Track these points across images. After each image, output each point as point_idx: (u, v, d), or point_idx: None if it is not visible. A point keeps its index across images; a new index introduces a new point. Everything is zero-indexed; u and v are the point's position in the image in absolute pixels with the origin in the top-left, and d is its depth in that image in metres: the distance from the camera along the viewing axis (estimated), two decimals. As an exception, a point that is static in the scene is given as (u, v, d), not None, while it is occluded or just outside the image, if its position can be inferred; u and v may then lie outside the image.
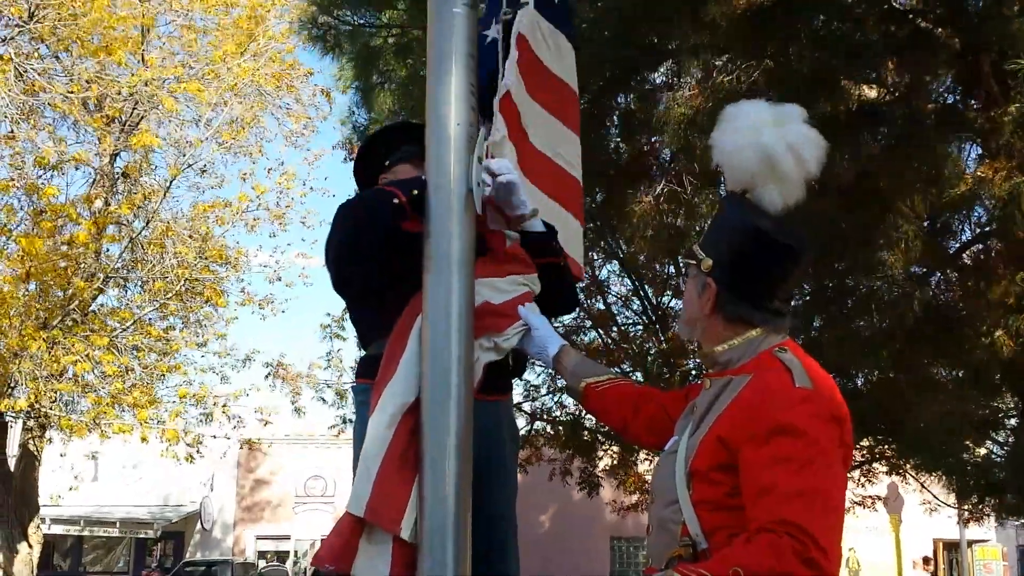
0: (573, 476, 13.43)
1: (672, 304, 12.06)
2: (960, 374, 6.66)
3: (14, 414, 11.04)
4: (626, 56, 5.15)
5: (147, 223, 11.16)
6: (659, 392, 2.52)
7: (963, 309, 6.15)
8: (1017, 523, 15.14)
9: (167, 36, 11.70)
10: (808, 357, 2.02)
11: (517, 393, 11.66)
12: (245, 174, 12.19)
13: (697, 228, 7.20)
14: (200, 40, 11.54)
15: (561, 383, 12.50)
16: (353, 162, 3.13)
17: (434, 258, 2.41)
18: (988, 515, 11.98)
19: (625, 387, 2.54)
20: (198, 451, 11.77)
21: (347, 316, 14.22)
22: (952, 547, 26.00)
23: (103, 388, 10.40)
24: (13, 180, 10.20)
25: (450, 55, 2.50)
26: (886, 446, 10.24)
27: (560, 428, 12.72)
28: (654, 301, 12.39)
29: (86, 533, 21.85)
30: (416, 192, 2.48)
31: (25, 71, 9.62)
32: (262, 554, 23.27)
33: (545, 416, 12.97)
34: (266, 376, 14.75)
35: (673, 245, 7.74)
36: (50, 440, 11.92)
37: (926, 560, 23.17)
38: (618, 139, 6.53)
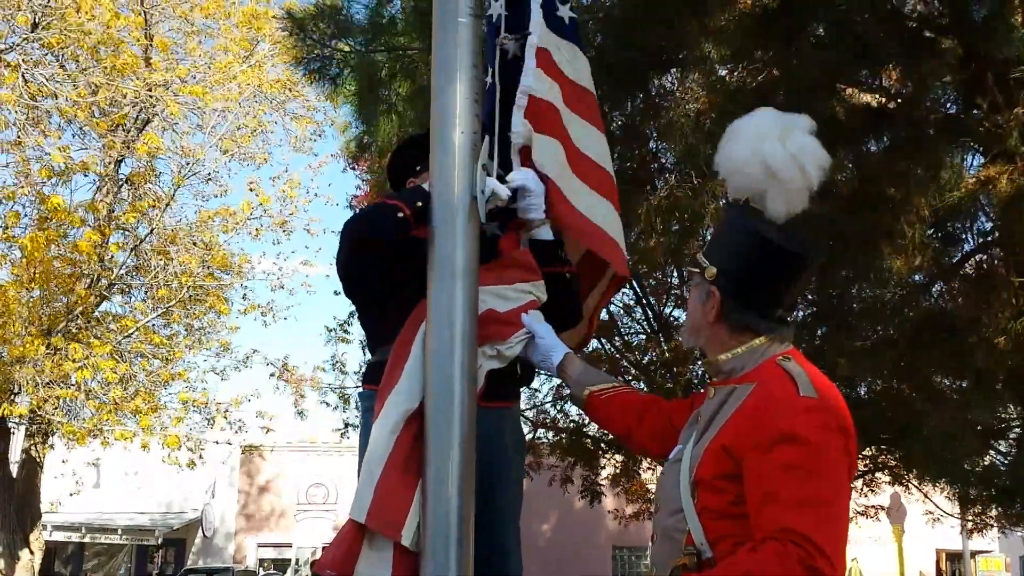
0: (575, 484, 13.40)
1: (675, 313, 12.07)
2: (964, 383, 6.64)
3: (16, 420, 11.05)
4: (629, 61, 5.15)
5: (151, 230, 11.18)
6: (663, 401, 2.52)
7: (966, 317, 6.14)
8: (1021, 533, 15.08)
9: (171, 40, 11.73)
10: (812, 366, 2.02)
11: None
12: (252, 183, 12.23)
13: (700, 236, 7.20)
14: (203, 46, 11.59)
15: (565, 391, 12.50)
16: (388, 161, 3.15)
17: (437, 266, 2.42)
18: (991, 525, 11.95)
19: (629, 395, 2.55)
20: (200, 457, 11.77)
21: (354, 320, 14.31)
22: (955, 557, 25.90)
23: (105, 395, 10.41)
24: (19, 185, 10.23)
25: (455, 64, 2.51)
26: (889, 456, 10.21)
27: (562, 436, 12.71)
28: (657, 310, 12.38)
29: (87, 540, 21.82)
30: (420, 204, 2.50)
31: (32, 77, 9.66)
32: (262, 562, 23.24)
33: (548, 423, 12.95)
34: (271, 375, 14.75)
35: (676, 253, 7.74)
36: (52, 447, 11.92)
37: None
38: (620, 146, 6.54)
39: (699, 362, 10.21)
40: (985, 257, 6.58)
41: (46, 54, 10.35)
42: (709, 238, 2.28)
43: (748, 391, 1.99)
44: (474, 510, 2.32)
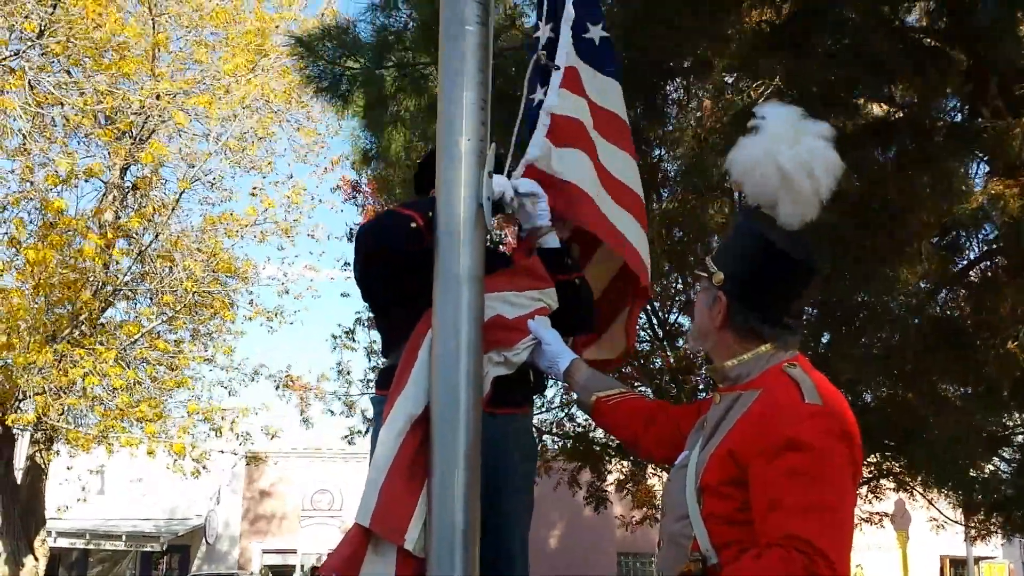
0: (581, 489, 13.37)
1: (679, 320, 12.04)
2: (969, 390, 6.63)
3: (21, 427, 11.06)
4: (636, 71, 5.16)
5: (156, 236, 11.20)
6: (670, 406, 2.52)
7: (972, 325, 6.14)
8: (1025, 540, 15.02)
9: (177, 51, 11.79)
10: (818, 373, 2.02)
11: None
12: (255, 188, 12.26)
13: (705, 243, 7.21)
14: (210, 55, 11.61)
15: (569, 397, 12.49)
16: (415, 171, 3.17)
17: (443, 272, 2.42)
18: (995, 532, 11.90)
19: (636, 401, 2.55)
20: (204, 467, 11.78)
21: (357, 327, 14.32)
22: (959, 564, 25.79)
23: (110, 401, 10.42)
24: (24, 192, 10.26)
25: (461, 71, 2.52)
26: (894, 462, 10.19)
27: (568, 441, 12.68)
28: (661, 317, 12.37)
29: (92, 546, 21.81)
30: (432, 214, 2.51)
31: (38, 83, 9.69)
32: (268, 567, 23.21)
33: (555, 429, 12.93)
34: (276, 387, 14.74)
35: (681, 260, 7.75)
36: (57, 453, 11.93)
37: None
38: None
39: (704, 369, 10.21)
40: (990, 265, 6.58)
41: (52, 61, 10.39)
42: (718, 243, 2.29)
43: (754, 397, 1.99)
44: (479, 515, 2.33)
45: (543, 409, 13.16)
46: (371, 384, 14.34)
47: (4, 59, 9.72)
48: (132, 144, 10.74)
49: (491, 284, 2.60)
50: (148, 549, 22.06)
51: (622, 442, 2.85)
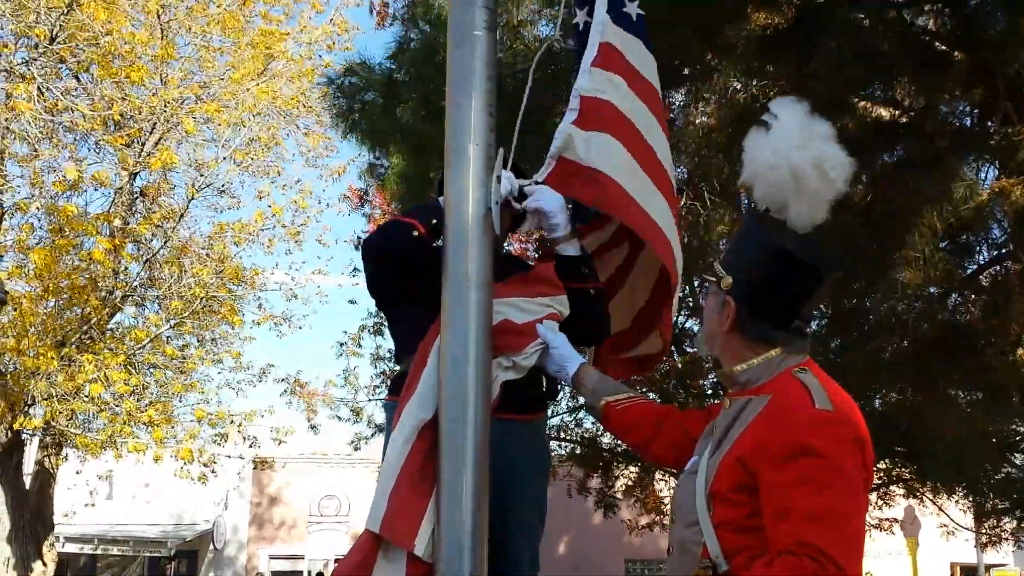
0: (590, 495, 13.35)
1: (687, 324, 12.01)
2: (979, 395, 6.60)
3: (30, 432, 11.09)
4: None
5: (165, 242, 11.22)
6: (680, 411, 2.51)
7: (982, 329, 6.11)
8: (1036, 546, 14.91)
9: (186, 57, 11.83)
10: (828, 378, 2.00)
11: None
12: (262, 192, 12.27)
13: (713, 247, 7.19)
14: (218, 61, 11.65)
15: (576, 403, 12.47)
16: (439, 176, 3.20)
17: (452, 277, 2.42)
18: (1006, 538, 11.84)
19: (645, 406, 2.54)
20: (212, 472, 11.78)
21: (364, 335, 14.35)
22: (970, 571, 25.64)
23: (118, 406, 10.43)
24: (34, 197, 10.30)
25: (470, 77, 2.52)
26: (903, 468, 10.14)
27: (576, 447, 12.65)
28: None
29: (100, 551, 21.82)
30: (436, 222, 2.51)
31: (47, 89, 9.73)
32: (276, 573, 23.18)
33: (562, 434, 12.91)
34: (282, 393, 14.76)
35: (688, 264, 7.73)
36: (66, 458, 11.94)
37: None
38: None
39: (712, 374, 10.18)
40: (999, 269, 6.56)
41: (61, 67, 10.44)
42: (727, 247, 2.27)
43: (763, 403, 1.98)
44: (488, 521, 2.32)
45: (550, 415, 13.14)
46: (377, 390, 14.37)
47: (15, 66, 9.77)
48: (141, 150, 10.77)
49: (503, 290, 2.60)
50: (156, 554, 22.06)
51: (631, 447, 2.84)
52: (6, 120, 9.68)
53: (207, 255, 11.33)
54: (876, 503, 12.99)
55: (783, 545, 1.78)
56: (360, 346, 14.61)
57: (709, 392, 10.32)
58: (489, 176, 2.48)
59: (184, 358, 11.92)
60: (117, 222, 10.80)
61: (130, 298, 11.46)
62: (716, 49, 5.31)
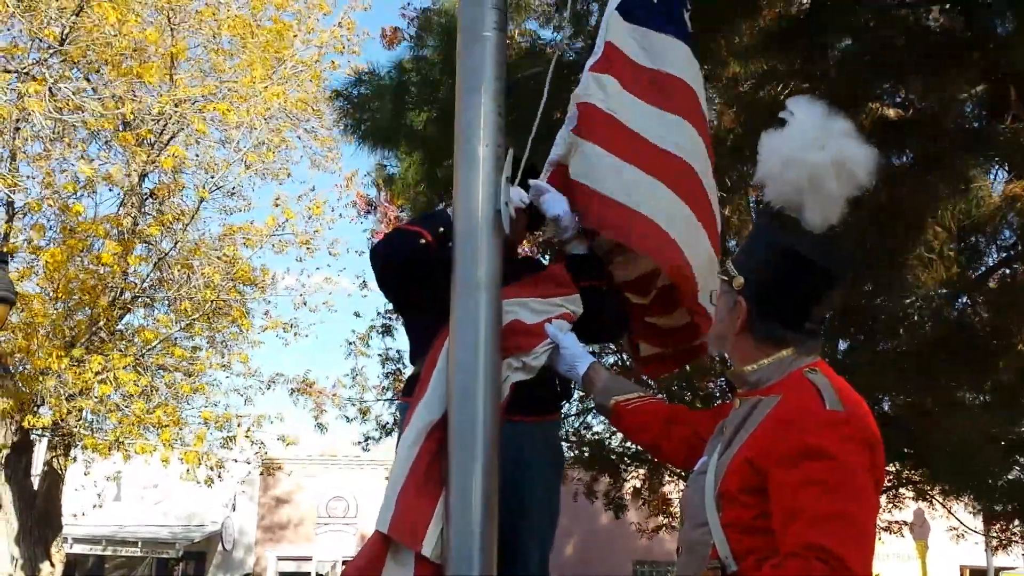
0: (598, 498, 13.33)
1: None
2: (987, 397, 6.58)
3: (39, 432, 11.13)
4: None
5: (175, 243, 11.25)
6: (690, 411, 2.50)
7: (990, 331, 6.08)
8: (1046, 550, 14.83)
9: (196, 59, 11.86)
10: (840, 379, 1.99)
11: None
12: (278, 199, 12.30)
13: (723, 247, 7.15)
14: (228, 63, 11.67)
15: (584, 405, 12.46)
16: None
17: (461, 278, 2.42)
18: (1016, 541, 11.78)
19: (656, 405, 2.53)
20: (219, 475, 11.79)
21: (373, 335, 14.36)
22: (979, 574, 25.52)
23: (126, 407, 10.46)
24: (46, 198, 10.33)
25: (479, 78, 2.53)
26: (913, 471, 10.11)
27: (585, 449, 12.63)
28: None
29: (108, 553, 21.87)
30: (443, 230, 2.52)
31: (59, 90, 9.77)
32: (284, 575, 23.21)
33: (571, 437, 12.90)
34: (291, 392, 14.76)
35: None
36: (74, 459, 11.97)
37: None
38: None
39: (720, 377, 10.16)
40: (1009, 271, 6.53)
41: (72, 68, 10.48)
42: (740, 247, 2.26)
43: (773, 403, 1.96)
44: (497, 522, 2.32)
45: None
46: (385, 390, 14.39)
47: (26, 67, 9.81)
48: (151, 150, 10.80)
49: (514, 291, 2.60)
50: (164, 556, 22.10)
51: (641, 446, 2.83)
52: (18, 120, 9.73)
53: (217, 257, 11.35)
54: (885, 505, 12.95)
55: (792, 547, 1.76)
56: (368, 346, 14.64)
57: (718, 395, 10.30)
58: (499, 177, 2.48)
59: (194, 360, 11.93)
60: (127, 222, 10.83)
61: (139, 299, 11.49)
62: (728, 45, 5.30)
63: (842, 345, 6.96)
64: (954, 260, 5.50)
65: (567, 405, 12.98)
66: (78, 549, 20.14)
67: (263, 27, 11.75)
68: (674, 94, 2.97)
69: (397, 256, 2.77)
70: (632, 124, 2.88)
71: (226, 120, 10.81)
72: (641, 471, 13.14)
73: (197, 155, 11.58)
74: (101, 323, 10.54)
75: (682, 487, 2.37)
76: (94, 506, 13.39)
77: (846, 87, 5.17)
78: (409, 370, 3.05)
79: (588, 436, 12.95)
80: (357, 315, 19.81)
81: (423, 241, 2.63)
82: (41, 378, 9.97)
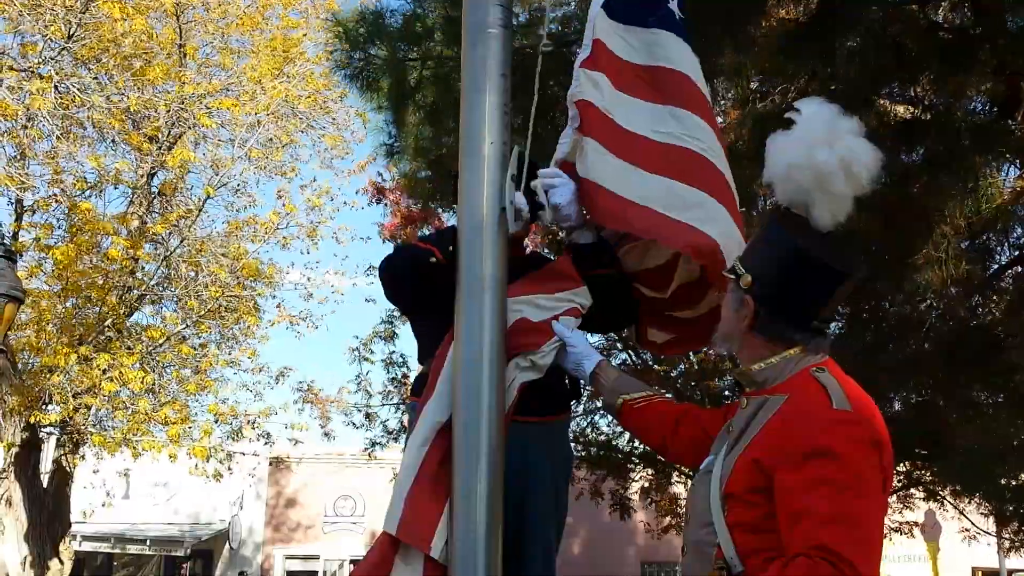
0: (604, 498, 13.33)
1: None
2: (1000, 398, 6.53)
3: (48, 430, 11.16)
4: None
5: (181, 240, 11.27)
6: (698, 410, 2.48)
7: (1003, 331, 6.04)
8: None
9: (203, 58, 11.89)
10: (848, 378, 1.97)
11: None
12: (281, 191, 12.30)
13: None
14: (236, 62, 11.70)
15: (591, 405, 12.45)
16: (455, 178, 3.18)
17: (466, 279, 2.41)
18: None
19: (663, 404, 2.51)
20: (228, 468, 11.81)
21: (378, 341, 14.42)
22: (991, 576, 25.44)
23: (133, 405, 10.49)
24: (56, 196, 10.37)
25: (484, 75, 2.51)
26: (924, 471, 10.07)
27: (591, 449, 12.64)
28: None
29: (117, 550, 21.96)
30: (452, 248, 2.50)
31: (67, 90, 9.80)
32: (290, 574, 23.27)
33: (578, 437, 12.90)
34: (295, 401, 14.81)
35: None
36: (83, 457, 12.01)
37: None
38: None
39: (727, 375, 10.14)
40: (1021, 268, 6.49)
41: (79, 66, 10.51)
42: (747, 246, 2.24)
43: (780, 402, 1.95)
44: (502, 524, 2.31)
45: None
46: (390, 395, 14.41)
47: (34, 66, 9.85)
48: (158, 149, 10.82)
49: (519, 288, 2.58)
50: (172, 554, 22.19)
51: (648, 445, 2.81)
52: (26, 118, 9.77)
53: (223, 254, 11.37)
54: (896, 506, 12.92)
55: (798, 547, 1.75)
56: (372, 352, 14.65)
57: (727, 393, 10.28)
58: (504, 175, 2.47)
59: (203, 356, 11.95)
60: (135, 223, 10.86)
61: (147, 297, 11.52)
62: (737, 47, 5.27)
63: (851, 345, 6.91)
64: (965, 259, 5.45)
65: (574, 404, 13.01)
66: (87, 547, 20.24)
67: (270, 24, 11.77)
68: (667, 86, 2.92)
69: (407, 275, 2.77)
70: (626, 123, 2.84)
71: (234, 116, 10.83)
72: (649, 471, 13.14)
73: (204, 153, 11.61)
74: (109, 321, 10.58)
75: (689, 487, 2.35)
76: (103, 504, 13.43)
77: (856, 86, 5.13)
78: (416, 370, 3.04)
79: (595, 436, 12.96)
80: (371, 300, 19.79)
81: (433, 260, 2.63)
82: (49, 375, 10.01)
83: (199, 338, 12.19)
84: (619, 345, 12.33)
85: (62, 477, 11.59)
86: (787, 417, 1.91)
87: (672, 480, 13.96)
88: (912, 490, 12.45)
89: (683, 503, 13.67)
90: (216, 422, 11.49)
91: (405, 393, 13.58)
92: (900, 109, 5.91)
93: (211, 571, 23.27)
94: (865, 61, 5.05)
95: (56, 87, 9.50)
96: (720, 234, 2.63)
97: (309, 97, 11.92)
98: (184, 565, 22.73)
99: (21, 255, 10.17)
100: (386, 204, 14.48)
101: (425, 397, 2.49)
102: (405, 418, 13.18)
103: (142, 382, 10.08)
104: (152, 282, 11.44)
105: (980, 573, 25.85)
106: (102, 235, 10.48)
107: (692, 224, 2.64)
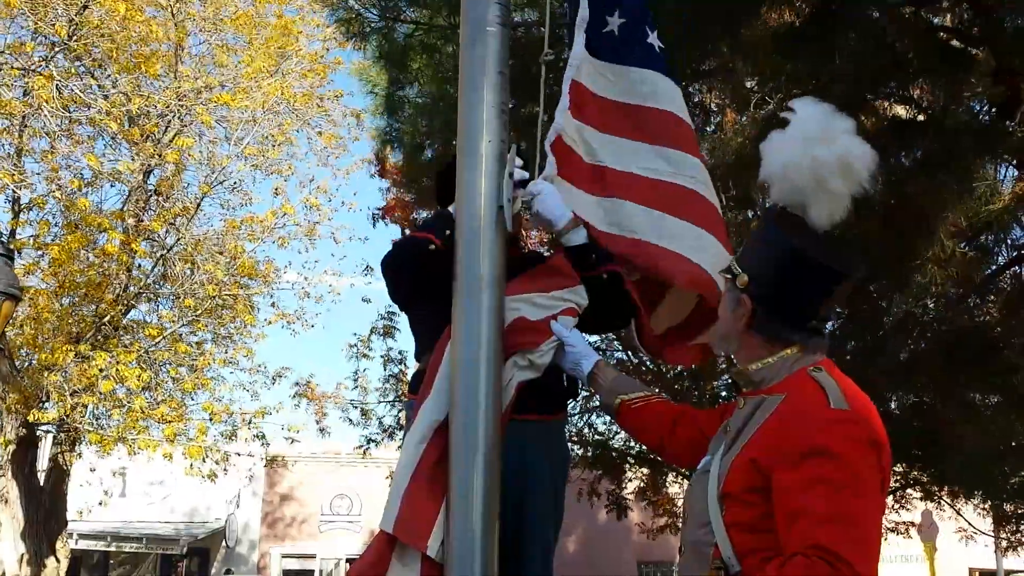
0: (601, 498, 13.32)
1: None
2: (997, 398, 6.54)
3: (45, 428, 11.14)
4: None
5: (178, 239, 11.26)
6: (695, 411, 2.48)
7: (1000, 331, 6.05)
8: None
9: (199, 55, 11.87)
10: (846, 378, 1.96)
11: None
12: (278, 188, 12.27)
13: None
14: (232, 59, 11.68)
15: (587, 404, 12.45)
16: (436, 175, 3.17)
17: (464, 277, 2.41)
18: (1025, 543, 11.74)
19: (660, 405, 2.50)
20: (224, 469, 11.80)
21: (375, 337, 14.41)
22: (988, 576, 25.48)
23: (129, 403, 10.47)
24: (53, 192, 10.35)
25: (482, 73, 2.51)
26: (921, 472, 10.08)
27: (588, 449, 12.64)
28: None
29: (113, 548, 21.93)
30: (449, 232, 2.50)
31: (65, 87, 9.79)
32: (286, 573, 23.25)
33: (574, 437, 12.90)
34: (292, 396, 14.79)
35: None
36: (79, 455, 12.00)
37: None
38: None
39: (724, 376, 10.14)
40: (1019, 270, 6.49)
41: (78, 64, 10.50)
42: (744, 245, 2.24)
43: (778, 402, 1.95)
44: (498, 522, 2.30)
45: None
46: (387, 392, 14.41)
47: (33, 64, 9.83)
48: (156, 146, 10.80)
49: (517, 286, 2.58)
50: (168, 552, 22.17)
51: (646, 446, 2.81)
52: (24, 116, 9.75)
53: (220, 252, 11.35)
54: (893, 506, 12.92)
55: (796, 547, 1.74)
56: (370, 348, 14.65)
57: (723, 393, 10.29)
58: (501, 173, 2.46)
59: (200, 354, 11.94)
60: (131, 220, 10.84)
61: (144, 295, 11.50)
62: (735, 49, 5.27)
63: (849, 345, 6.92)
64: (964, 259, 5.45)
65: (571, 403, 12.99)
66: (83, 545, 20.21)
67: (266, 22, 11.75)
68: (653, 126, 2.99)
69: (408, 266, 2.78)
70: (615, 163, 2.92)
71: (230, 112, 10.82)
72: (644, 471, 13.14)
73: (200, 151, 11.58)
74: (106, 319, 10.56)
75: (686, 487, 2.35)
76: (99, 502, 13.41)
77: (854, 87, 5.13)
78: (414, 367, 3.05)
79: (591, 436, 12.96)
80: (366, 300, 19.86)
81: (432, 247, 2.62)
82: (46, 373, 9.99)
83: (195, 336, 12.18)
84: (618, 344, 12.33)
85: (59, 475, 11.58)
86: (784, 417, 1.90)
87: (668, 480, 13.96)
88: (908, 490, 12.45)
89: (679, 503, 13.68)
90: (211, 420, 11.47)
91: (402, 390, 13.58)
92: (899, 109, 5.91)
93: (207, 569, 23.24)
94: (864, 62, 5.05)
95: (56, 86, 9.48)
96: (711, 265, 2.73)
97: (305, 94, 11.91)
98: (180, 563, 22.71)
99: (19, 252, 10.16)
100: (385, 184, 14.47)
101: (423, 395, 2.49)
102: (402, 416, 13.20)
103: (139, 380, 10.06)
104: (148, 280, 11.43)
105: (977, 573, 25.89)
106: (98, 232, 10.46)
107: (684, 254, 2.76)
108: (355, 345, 14.65)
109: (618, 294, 2.82)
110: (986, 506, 8.38)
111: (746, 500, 1.88)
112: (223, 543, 22.91)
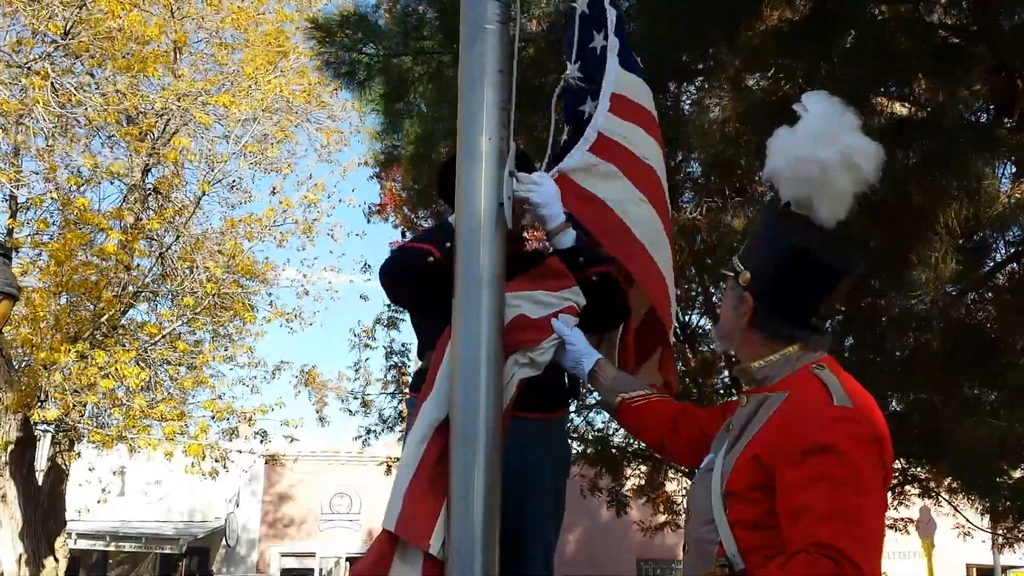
0: (601, 494, 13.31)
1: (700, 323, 11.96)
2: (996, 395, 6.53)
3: (43, 427, 11.13)
4: (653, 72, 5.12)
5: (177, 237, 11.25)
6: (697, 409, 2.47)
7: (998, 328, 6.04)
8: (1053, 548, 14.78)
9: (198, 53, 11.86)
10: (848, 375, 1.97)
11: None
12: (275, 187, 12.27)
13: (725, 246, 7.13)
14: (231, 57, 11.67)
15: (585, 401, 12.44)
16: (438, 174, 3.16)
17: (464, 275, 2.40)
18: (1023, 539, 11.73)
19: (661, 403, 2.50)
20: (224, 467, 11.80)
21: (379, 327, 14.38)
22: (986, 573, 25.49)
23: (129, 402, 10.46)
24: (50, 192, 10.34)
25: (482, 70, 2.50)
26: (919, 468, 10.08)
27: (587, 446, 12.63)
28: (682, 320, 12.29)
29: (112, 548, 21.91)
30: (449, 244, 2.50)
31: (61, 86, 9.77)
32: (285, 572, 23.25)
33: (573, 433, 12.89)
34: (294, 385, 14.77)
35: (702, 262, 7.69)
36: (78, 455, 11.99)
37: None
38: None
39: (725, 373, 10.14)
40: (1017, 267, 6.49)
41: (75, 62, 10.48)
42: (746, 242, 2.24)
43: (780, 400, 1.95)
44: (499, 521, 2.30)
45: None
46: (389, 384, 14.39)
47: (30, 62, 9.81)
48: (153, 145, 10.79)
49: (518, 284, 2.58)
50: (167, 551, 22.16)
51: (646, 444, 2.81)
52: (20, 115, 9.73)
53: (219, 251, 11.34)
54: (891, 503, 12.92)
55: (800, 544, 1.75)
56: (374, 339, 14.63)
57: (722, 392, 10.28)
58: (502, 172, 2.46)
59: (199, 353, 11.93)
60: (130, 219, 10.83)
61: (142, 294, 11.49)
62: (732, 46, 5.26)
63: (847, 343, 6.91)
64: (960, 258, 5.45)
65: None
66: (82, 544, 20.18)
67: (265, 18, 11.73)
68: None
69: (406, 279, 2.78)
70: (658, 169, 2.99)
71: (228, 113, 10.80)
72: (644, 468, 13.13)
73: (199, 149, 11.57)
74: (104, 318, 10.55)
75: (685, 484, 2.35)
76: (98, 501, 13.41)
77: (853, 84, 5.13)
78: (416, 364, 3.05)
79: (591, 433, 12.95)
80: (364, 298, 19.84)
81: (431, 259, 2.62)
82: (45, 372, 9.99)
83: (194, 335, 12.17)
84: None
85: (57, 474, 11.57)
86: (787, 414, 1.91)
87: (667, 477, 13.95)
88: (907, 487, 12.46)
89: (679, 500, 13.68)
90: (212, 419, 11.47)
91: (403, 383, 13.56)
92: (898, 108, 5.91)
93: (207, 569, 23.24)
94: (862, 60, 5.04)
95: (52, 84, 9.46)
96: (664, 266, 2.85)
97: (304, 92, 11.89)
98: (180, 563, 22.71)
99: (17, 251, 10.15)
100: (381, 183, 14.46)
101: (424, 393, 2.49)
102: (403, 407, 13.17)
103: (138, 378, 10.05)
104: (147, 278, 11.41)
105: (975, 570, 25.91)
106: (96, 231, 10.45)
107: (670, 289, 2.84)
108: (358, 335, 14.64)
109: (608, 296, 2.82)
110: (984, 503, 8.37)
111: (750, 498, 1.89)
112: (222, 542, 22.90)
